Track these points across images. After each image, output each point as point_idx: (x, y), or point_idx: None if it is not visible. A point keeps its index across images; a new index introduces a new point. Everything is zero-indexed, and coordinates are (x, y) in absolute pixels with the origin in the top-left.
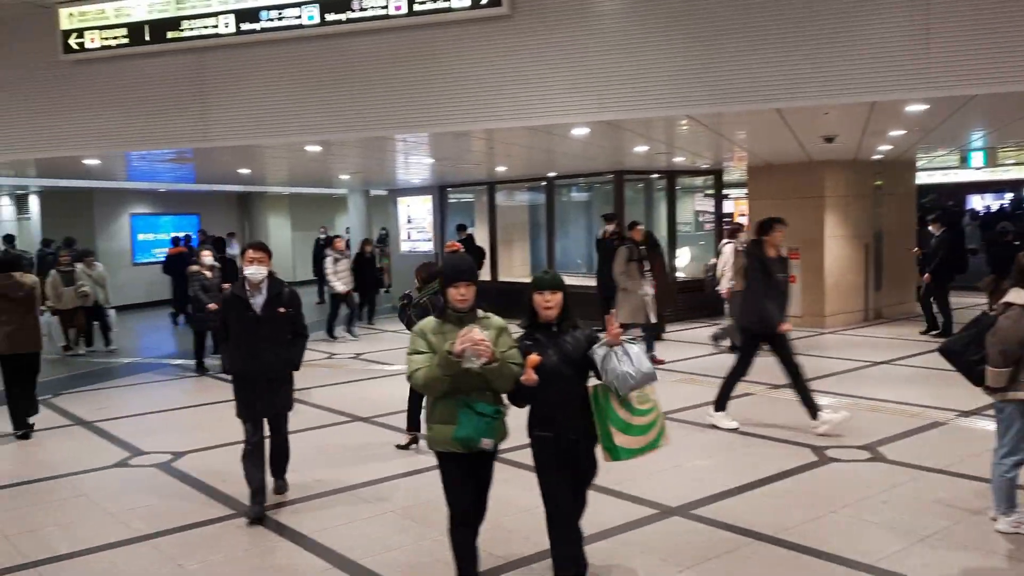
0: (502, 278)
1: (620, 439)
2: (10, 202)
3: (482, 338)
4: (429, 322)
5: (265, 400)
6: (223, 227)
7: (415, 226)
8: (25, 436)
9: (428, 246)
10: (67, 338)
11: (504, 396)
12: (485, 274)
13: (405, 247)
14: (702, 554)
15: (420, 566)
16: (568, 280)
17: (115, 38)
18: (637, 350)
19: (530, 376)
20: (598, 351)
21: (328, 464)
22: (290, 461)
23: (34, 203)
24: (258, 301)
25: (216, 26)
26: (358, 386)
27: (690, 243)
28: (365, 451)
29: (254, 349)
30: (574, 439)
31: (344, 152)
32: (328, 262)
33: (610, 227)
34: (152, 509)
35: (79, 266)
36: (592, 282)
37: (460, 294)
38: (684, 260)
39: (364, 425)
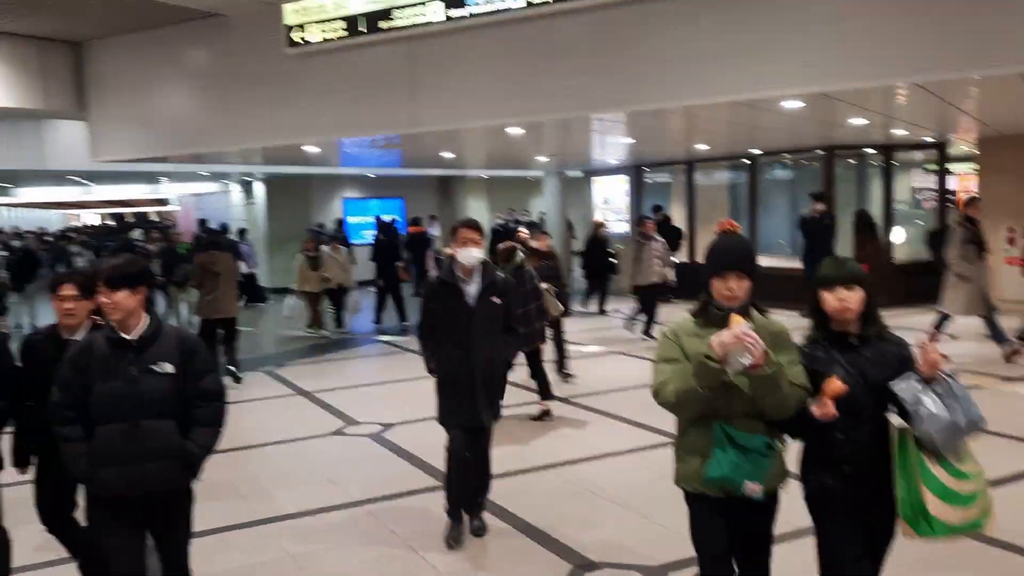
0: (699, 260)
1: (936, 508)
2: (239, 188)
3: (749, 331)
4: (684, 322)
5: (473, 407)
6: (425, 210)
7: (611, 207)
8: (236, 380)
9: (624, 227)
10: (318, 319)
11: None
12: (683, 256)
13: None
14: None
15: None
16: (769, 262)
17: (334, 30)
18: (962, 388)
19: (827, 408)
20: (904, 387)
21: (527, 441)
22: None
23: (259, 189)
24: (471, 290)
25: (425, 14)
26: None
27: (907, 222)
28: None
29: (466, 346)
30: (868, 494)
31: (544, 133)
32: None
33: (819, 206)
34: (366, 477)
35: (325, 249)
36: (795, 264)
37: (728, 288)
38: (899, 240)
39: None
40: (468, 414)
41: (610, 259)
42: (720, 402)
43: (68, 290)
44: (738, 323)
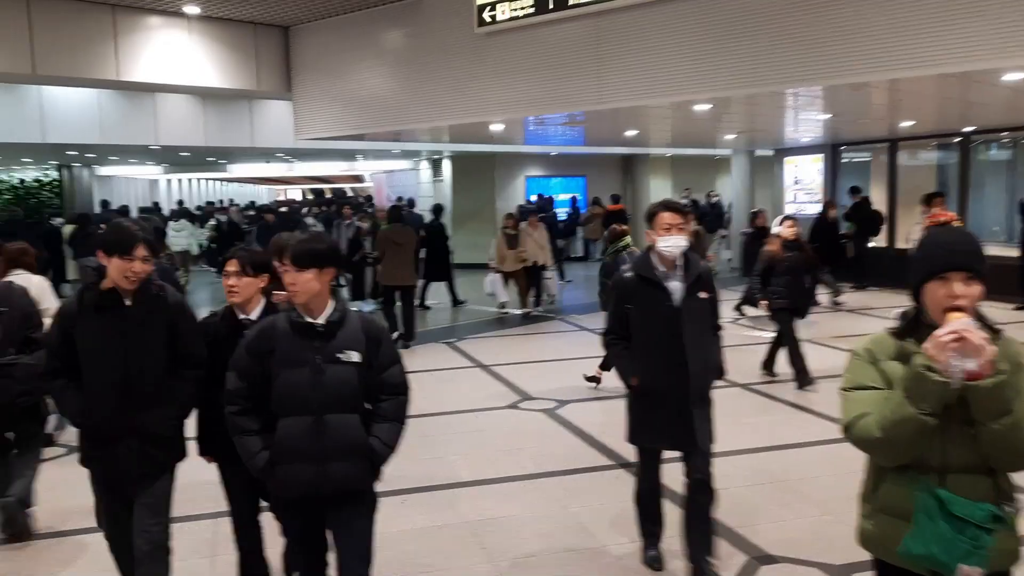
0: (899, 245)
1: None
2: (427, 166)
3: (972, 328)
4: (881, 340)
5: (686, 426)
6: (608, 189)
7: (802, 187)
8: (405, 344)
9: (815, 208)
10: (524, 293)
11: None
12: (881, 240)
13: (789, 210)
14: None
15: None
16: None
17: (522, 8)
18: None
19: None
20: None
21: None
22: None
23: (447, 167)
24: (675, 285)
25: None
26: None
27: None
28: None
29: (674, 353)
30: None
31: (732, 110)
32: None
33: None
34: (539, 451)
35: (523, 226)
36: (1013, 252)
37: (952, 294)
38: None
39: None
40: (678, 434)
41: (841, 242)
42: (931, 449)
43: (232, 266)
44: (959, 319)
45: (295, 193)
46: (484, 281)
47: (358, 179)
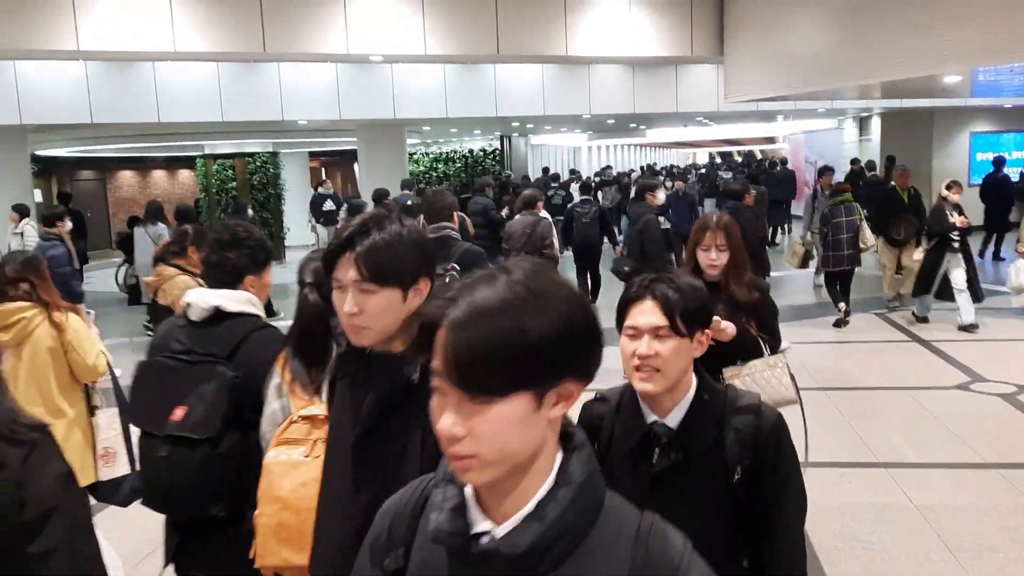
0: None
1: None
2: (853, 124)
3: None
4: None
5: None
6: None
7: None
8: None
9: None
10: None
11: None
12: None
13: None
14: None
15: None
16: None
17: None
18: None
19: None
20: None
21: None
22: None
23: (875, 125)
24: None
25: None
26: None
27: None
28: None
29: None
30: None
31: None
32: None
33: None
34: (997, 438)
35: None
36: None
37: None
38: None
39: None
40: None
41: None
42: None
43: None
44: None
45: (703, 157)
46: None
47: (771, 140)
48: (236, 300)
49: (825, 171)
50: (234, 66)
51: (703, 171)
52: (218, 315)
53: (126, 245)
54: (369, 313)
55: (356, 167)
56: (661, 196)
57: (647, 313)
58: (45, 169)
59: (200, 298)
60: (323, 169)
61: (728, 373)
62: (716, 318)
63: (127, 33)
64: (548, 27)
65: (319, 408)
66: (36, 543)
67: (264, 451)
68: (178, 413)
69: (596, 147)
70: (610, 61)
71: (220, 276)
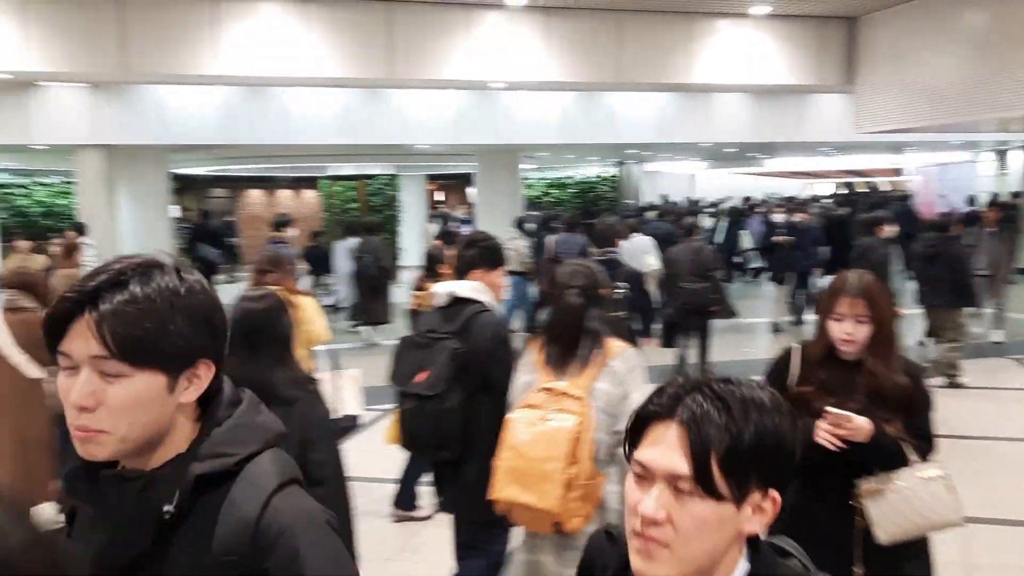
0: None
1: None
2: (990, 157)
3: None
4: None
5: None
6: None
7: None
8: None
9: None
10: None
11: None
12: None
13: None
14: None
15: None
16: None
17: None
18: None
19: None
20: None
21: None
22: None
23: (1016, 158)
24: None
25: None
26: None
27: None
28: None
29: None
30: None
31: None
32: None
33: None
34: None
35: None
36: None
37: None
38: None
39: None
40: None
41: None
42: None
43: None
44: None
45: (825, 187)
46: None
47: (897, 172)
48: (466, 288)
49: (993, 206)
50: (359, 91)
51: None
52: (455, 300)
53: (315, 258)
54: (111, 409)
55: (471, 190)
56: (891, 229)
57: (666, 446)
58: (182, 187)
59: (443, 288)
60: (441, 192)
61: (865, 488)
62: (847, 413)
63: (262, 60)
64: (670, 55)
65: (560, 384)
66: (314, 453)
67: (510, 410)
68: (420, 376)
69: (713, 175)
70: (733, 90)
71: (459, 268)
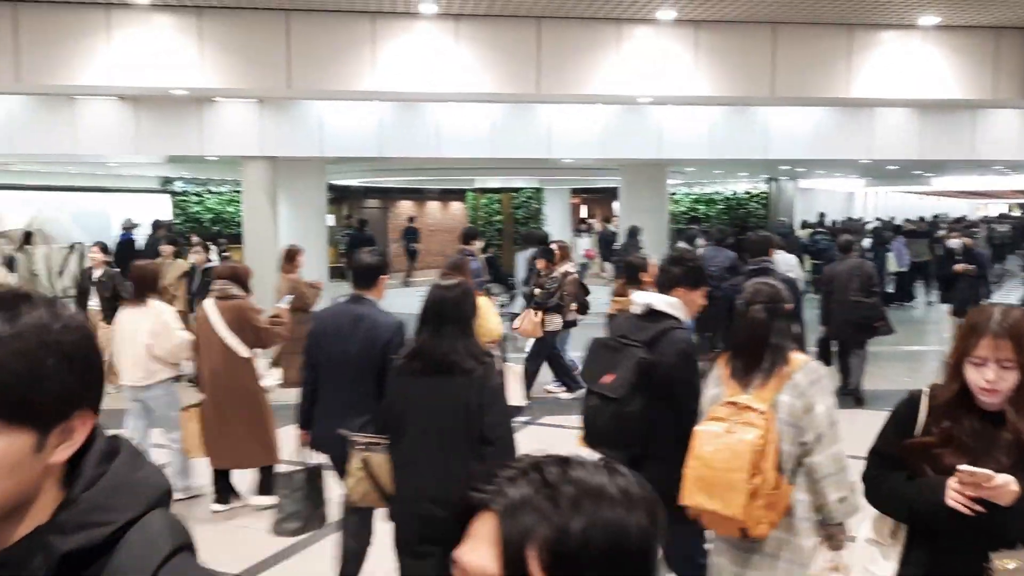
0: None
1: None
2: None
3: None
4: None
5: None
6: None
7: None
8: None
9: None
10: None
11: None
12: None
13: None
14: None
15: None
16: None
17: None
18: None
19: None
20: None
21: None
22: None
23: None
24: None
25: None
26: None
27: None
28: None
29: None
30: None
31: None
32: None
33: None
34: None
35: None
36: None
37: None
38: None
39: None
40: None
41: None
42: None
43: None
44: None
45: (997, 208)
46: None
47: None
48: (663, 302)
49: None
50: (506, 105)
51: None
52: (651, 312)
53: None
54: None
55: (615, 205)
56: None
57: (478, 541)
58: (338, 197)
59: (642, 298)
60: (584, 206)
61: (1000, 563)
62: (987, 471)
63: (416, 76)
64: (828, 68)
65: (744, 397)
66: (488, 416)
67: (697, 422)
68: (607, 378)
69: (873, 193)
70: (897, 104)
71: (661, 283)
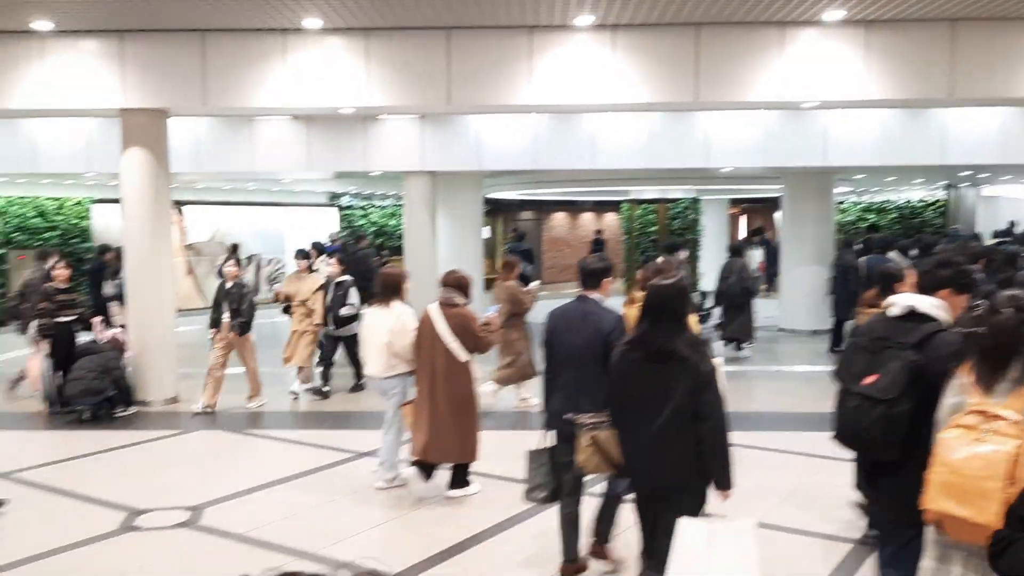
0: None
1: None
2: None
3: None
4: None
5: None
6: None
7: None
8: None
9: None
10: None
11: None
12: None
13: None
14: None
15: None
16: None
17: None
18: None
19: None
20: None
21: None
22: None
23: None
24: None
25: None
26: None
27: None
28: None
29: None
30: None
31: None
32: None
33: None
34: None
35: None
36: None
37: None
38: None
39: None
40: None
41: None
42: None
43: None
44: None
45: None
46: None
47: None
48: (927, 304)
49: None
50: (662, 115)
51: None
52: (911, 314)
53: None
54: None
55: (777, 215)
56: None
57: None
58: (494, 209)
59: (901, 300)
60: (746, 216)
61: None
62: None
63: (573, 88)
64: (1015, 64)
65: (991, 405)
66: (704, 396)
67: (939, 429)
68: (869, 379)
69: None
70: None
71: (926, 285)
